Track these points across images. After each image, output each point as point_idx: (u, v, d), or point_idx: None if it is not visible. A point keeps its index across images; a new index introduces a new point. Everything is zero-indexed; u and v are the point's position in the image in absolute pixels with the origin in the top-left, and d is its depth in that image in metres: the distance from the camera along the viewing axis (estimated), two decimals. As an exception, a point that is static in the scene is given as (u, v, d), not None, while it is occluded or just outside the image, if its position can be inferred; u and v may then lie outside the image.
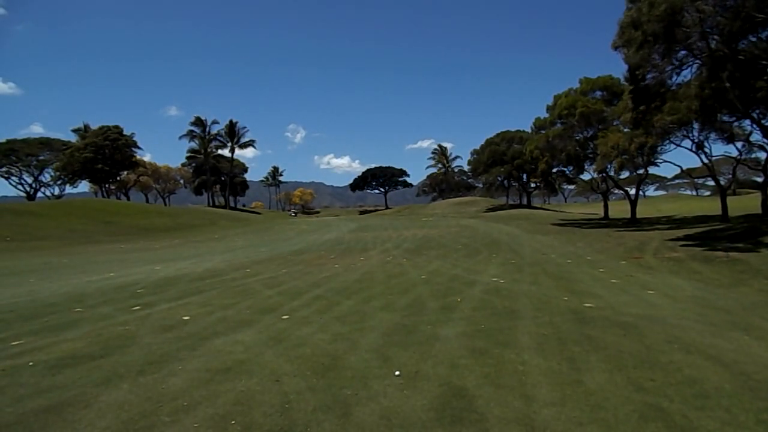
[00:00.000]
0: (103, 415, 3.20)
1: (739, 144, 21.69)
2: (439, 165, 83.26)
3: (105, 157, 54.87)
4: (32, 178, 57.45)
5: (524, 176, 51.77)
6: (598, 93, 27.01)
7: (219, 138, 67.75)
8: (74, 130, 59.42)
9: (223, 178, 73.69)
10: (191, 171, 76.54)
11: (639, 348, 4.40)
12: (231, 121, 67.12)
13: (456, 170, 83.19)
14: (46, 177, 58.22)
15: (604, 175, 28.43)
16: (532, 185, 54.50)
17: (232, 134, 67.31)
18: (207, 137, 66.70)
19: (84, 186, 63.07)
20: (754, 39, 13.88)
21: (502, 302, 6.57)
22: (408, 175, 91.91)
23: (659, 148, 23.43)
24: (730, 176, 29.14)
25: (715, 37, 13.92)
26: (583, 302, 6.53)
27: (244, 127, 68.33)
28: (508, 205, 52.30)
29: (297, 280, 9.13)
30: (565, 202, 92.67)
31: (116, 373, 3.98)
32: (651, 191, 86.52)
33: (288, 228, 32.10)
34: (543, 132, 30.24)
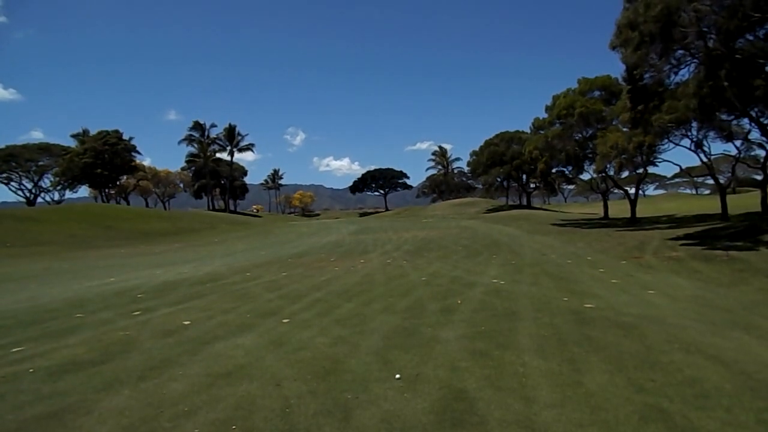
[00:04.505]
0: (104, 421, 3.20)
1: (738, 142, 21.71)
2: (439, 166, 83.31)
3: (104, 162, 54.92)
4: (32, 184, 57.57)
5: (524, 177, 51.79)
6: (597, 93, 27.02)
7: (218, 142, 67.89)
8: (73, 136, 59.51)
9: (222, 182, 73.72)
10: (191, 175, 76.54)
11: (639, 348, 4.40)
12: (230, 125, 67.24)
13: (456, 171, 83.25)
14: (46, 182, 58.41)
15: (603, 174, 28.44)
16: (532, 186, 54.49)
17: (231, 138, 67.40)
18: (206, 141, 66.82)
19: (84, 191, 63.16)
20: (751, 38, 13.91)
21: (502, 304, 6.57)
22: (408, 177, 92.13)
23: (658, 148, 23.43)
24: (730, 174, 29.16)
25: (713, 36, 13.94)
26: (584, 303, 6.53)
27: (244, 131, 68.60)
28: (508, 206, 52.30)
29: (297, 284, 9.13)
30: (565, 202, 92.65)
31: (117, 378, 3.99)
32: (651, 190, 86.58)
33: (288, 231, 32.10)
34: (542, 132, 30.26)
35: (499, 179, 54.58)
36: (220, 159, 72.00)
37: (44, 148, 57.31)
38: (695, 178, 61.22)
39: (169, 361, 4.40)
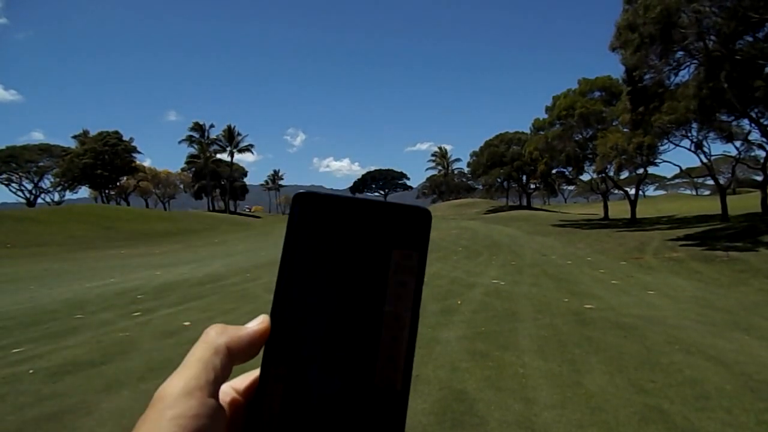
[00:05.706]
0: (104, 422, 3.20)
1: (737, 143, 21.76)
2: (440, 167, 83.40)
3: (104, 162, 54.98)
4: (32, 185, 57.61)
5: (524, 177, 51.86)
6: (597, 93, 27.10)
7: (218, 143, 68.05)
8: (74, 137, 59.60)
9: (222, 183, 73.81)
10: (191, 176, 76.59)
11: (639, 349, 4.41)
12: (229, 126, 67.43)
13: (456, 172, 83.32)
14: (46, 183, 58.43)
15: (603, 175, 28.46)
16: (532, 186, 54.56)
17: (231, 138, 67.55)
18: (206, 142, 66.98)
19: (84, 192, 63.25)
20: (750, 39, 13.94)
21: (502, 304, 6.57)
22: (408, 178, 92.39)
23: (658, 148, 23.46)
24: (730, 175, 29.18)
25: (712, 37, 13.98)
26: (584, 303, 6.53)
27: (243, 132, 68.84)
28: (508, 207, 52.32)
29: (297, 284, 9.11)
30: (565, 202, 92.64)
31: (117, 379, 3.98)
32: (651, 191, 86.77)
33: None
34: (542, 133, 30.32)
35: (499, 180, 54.66)
36: (220, 160, 72.11)
37: (44, 149, 57.40)
38: (695, 179, 61.22)
39: (169, 362, 4.39)
